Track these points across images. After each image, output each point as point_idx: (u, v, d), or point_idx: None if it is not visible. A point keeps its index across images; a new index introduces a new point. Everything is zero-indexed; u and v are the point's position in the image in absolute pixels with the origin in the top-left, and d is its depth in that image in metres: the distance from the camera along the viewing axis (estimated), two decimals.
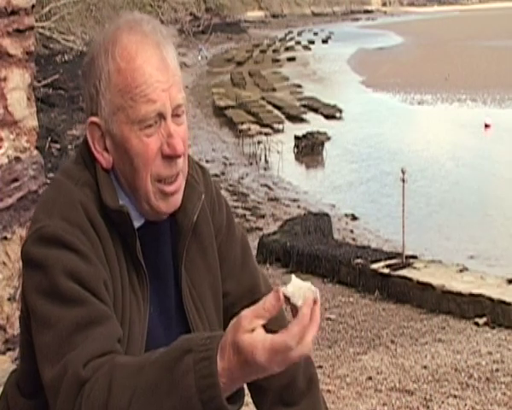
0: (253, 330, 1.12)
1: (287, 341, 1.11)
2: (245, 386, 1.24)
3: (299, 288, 1.16)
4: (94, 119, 1.41)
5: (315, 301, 1.16)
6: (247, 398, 1.58)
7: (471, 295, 7.21)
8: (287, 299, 1.14)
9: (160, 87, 1.36)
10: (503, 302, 6.88)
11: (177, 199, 1.43)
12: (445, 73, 37.53)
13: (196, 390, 1.13)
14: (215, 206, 1.59)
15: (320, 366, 5.57)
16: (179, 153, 1.39)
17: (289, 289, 1.15)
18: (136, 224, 1.42)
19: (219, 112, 28.34)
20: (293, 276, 1.19)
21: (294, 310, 1.15)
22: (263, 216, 14.51)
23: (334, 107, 28.34)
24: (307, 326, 1.13)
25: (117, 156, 1.40)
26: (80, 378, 1.22)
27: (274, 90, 35.07)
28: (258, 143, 21.05)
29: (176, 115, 1.39)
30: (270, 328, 1.15)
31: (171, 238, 1.49)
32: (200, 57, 49.41)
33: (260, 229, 13.02)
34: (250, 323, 1.13)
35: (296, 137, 21.62)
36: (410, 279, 7.95)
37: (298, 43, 66.21)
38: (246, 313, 1.14)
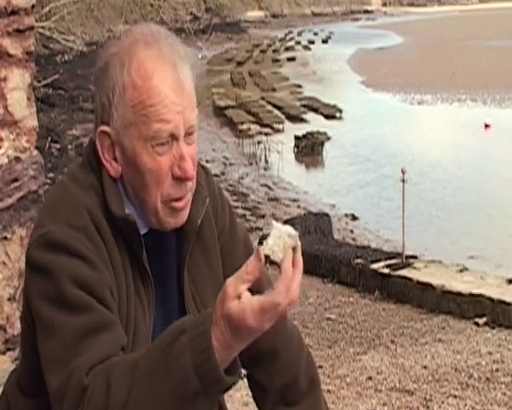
0: (239, 297, 1.15)
1: (275, 299, 1.14)
2: (244, 382, 1.24)
3: (279, 237, 1.17)
4: (104, 128, 1.40)
5: (294, 249, 1.18)
6: (248, 398, 1.58)
7: (471, 295, 7.21)
8: (267, 257, 1.17)
9: (174, 109, 1.35)
10: (503, 302, 6.88)
11: (185, 214, 1.43)
12: (445, 73, 37.53)
13: (193, 366, 1.14)
14: (218, 207, 1.59)
15: (320, 366, 5.57)
16: (190, 177, 1.38)
17: (269, 245, 1.17)
18: (142, 231, 1.42)
19: (219, 112, 28.35)
20: (273, 222, 1.20)
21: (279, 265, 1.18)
22: (263, 216, 14.51)
23: (334, 107, 28.34)
24: (297, 274, 1.17)
25: (126, 168, 1.40)
26: (83, 386, 1.22)
27: (274, 90, 35.07)
28: (258, 143, 21.04)
29: (188, 134, 1.39)
30: (257, 291, 1.17)
31: (176, 243, 1.49)
32: (200, 56, 49.52)
33: (260, 229, 13.02)
34: (235, 289, 1.16)
35: (296, 137, 21.61)
36: (410, 279, 7.95)
37: (298, 43, 66.17)
38: (229, 280, 1.17)
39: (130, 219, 1.38)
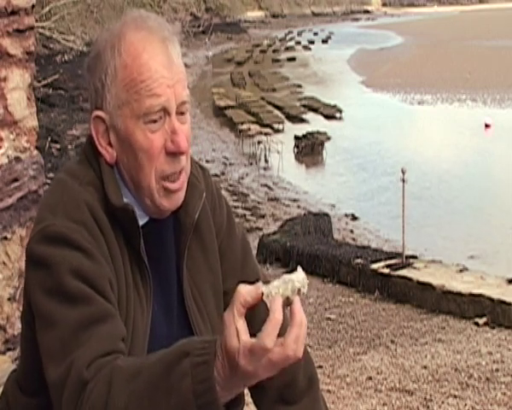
0: (237, 332, 1.11)
1: (261, 342, 1.09)
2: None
3: (285, 283, 1.13)
4: (98, 113, 1.41)
5: (288, 300, 1.12)
6: (248, 398, 1.58)
7: (471, 295, 7.21)
8: (262, 294, 1.12)
9: (165, 83, 1.37)
10: (503, 302, 6.88)
11: (180, 197, 1.44)
12: (445, 73, 37.53)
13: (193, 395, 1.12)
14: (216, 205, 1.59)
15: (320, 366, 5.57)
16: (183, 150, 1.39)
17: (271, 285, 1.13)
18: (141, 222, 1.42)
19: (219, 112, 28.35)
20: (298, 268, 1.17)
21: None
22: (263, 216, 14.51)
23: (334, 107, 28.33)
24: (292, 327, 1.11)
25: (121, 151, 1.41)
26: (83, 380, 1.22)
27: (274, 90, 35.08)
28: (258, 143, 21.04)
29: (180, 113, 1.40)
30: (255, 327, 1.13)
31: (174, 237, 1.50)
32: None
33: (260, 229, 13.02)
34: (233, 322, 1.12)
35: (296, 137, 21.61)
36: (410, 279, 7.95)
37: (298, 43, 66.18)
38: (226, 313, 1.13)
39: (129, 208, 1.39)
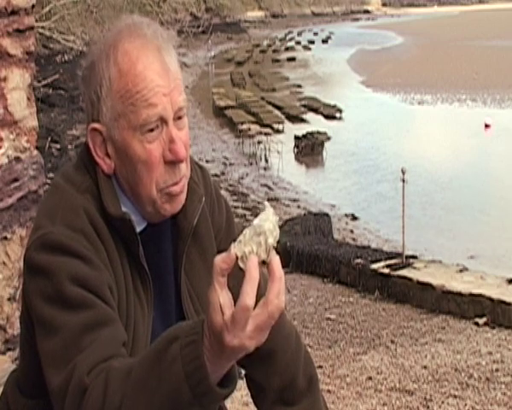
0: (221, 308, 1.09)
1: (241, 303, 1.07)
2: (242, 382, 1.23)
3: (258, 235, 1.10)
4: (95, 125, 1.40)
5: (264, 262, 1.10)
6: (247, 398, 1.58)
7: (471, 295, 7.21)
8: (236, 259, 1.10)
9: (160, 91, 1.36)
10: (503, 302, 6.89)
11: (182, 199, 1.43)
12: (445, 73, 37.52)
13: (184, 375, 1.12)
14: (215, 206, 1.59)
15: (320, 366, 5.57)
16: (181, 158, 1.38)
17: (241, 245, 1.10)
18: (138, 228, 1.42)
19: (219, 112, 28.35)
20: (266, 203, 1.14)
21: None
22: None
23: (334, 107, 28.34)
24: (273, 283, 1.09)
25: (119, 162, 1.40)
26: (84, 385, 1.21)
27: (274, 90, 35.09)
28: (259, 143, 21.05)
29: (177, 119, 1.39)
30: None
31: (172, 241, 1.49)
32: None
33: None
34: (216, 298, 1.09)
35: (296, 137, 21.61)
36: (410, 279, 7.95)
37: (298, 43, 66.21)
38: (209, 290, 1.11)
39: (127, 217, 1.38)
